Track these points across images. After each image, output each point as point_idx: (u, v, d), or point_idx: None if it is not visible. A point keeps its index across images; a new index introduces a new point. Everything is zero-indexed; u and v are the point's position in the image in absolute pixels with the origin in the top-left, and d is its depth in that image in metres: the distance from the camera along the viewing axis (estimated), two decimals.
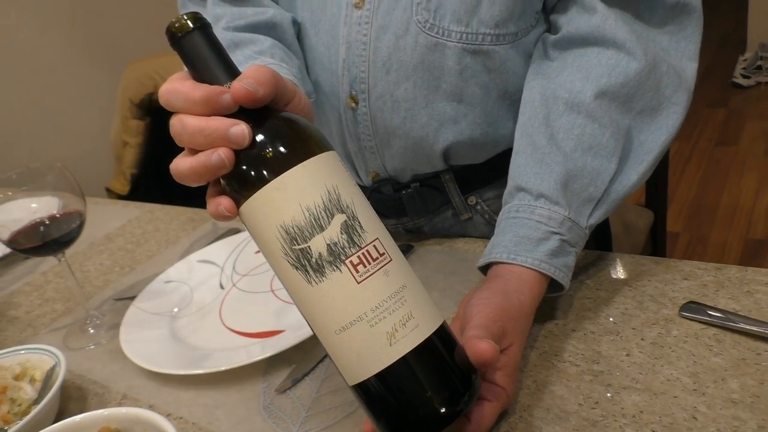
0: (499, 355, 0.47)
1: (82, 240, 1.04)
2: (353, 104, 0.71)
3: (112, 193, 1.90)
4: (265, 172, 0.41)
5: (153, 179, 1.84)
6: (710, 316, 0.56)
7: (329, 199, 0.41)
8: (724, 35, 3.92)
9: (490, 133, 0.71)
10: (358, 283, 0.41)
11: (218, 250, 0.89)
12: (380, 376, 0.42)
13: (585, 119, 0.60)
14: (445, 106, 0.69)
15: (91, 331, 0.79)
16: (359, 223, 0.42)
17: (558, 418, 0.49)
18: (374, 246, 0.41)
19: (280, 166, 0.41)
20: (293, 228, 0.41)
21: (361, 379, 0.42)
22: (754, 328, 0.53)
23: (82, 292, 0.81)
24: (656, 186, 1.35)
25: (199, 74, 0.43)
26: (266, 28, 0.70)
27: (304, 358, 0.64)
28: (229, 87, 0.42)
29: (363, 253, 0.41)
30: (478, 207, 0.79)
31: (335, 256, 0.41)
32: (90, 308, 0.81)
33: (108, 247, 1.06)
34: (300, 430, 0.55)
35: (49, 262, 1.05)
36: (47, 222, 0.74)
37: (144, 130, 1.84)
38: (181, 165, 0.43)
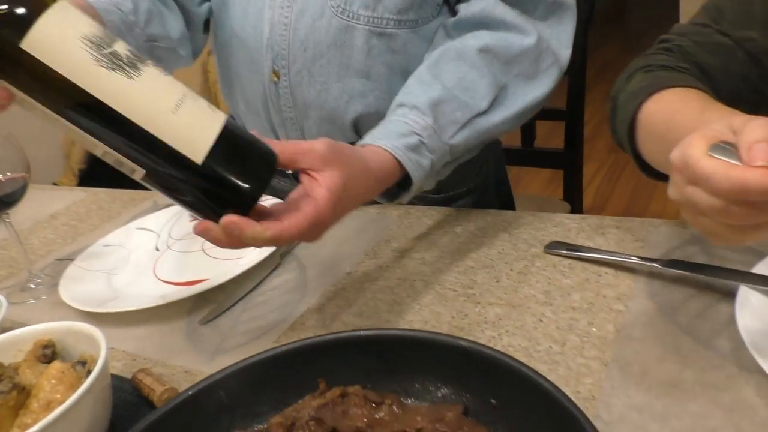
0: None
1: (27, 219, 1.10)
2: (275, 78, 0.80)
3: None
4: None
5: (100, 174, 1.89)
6: (568, 249, 0.66)
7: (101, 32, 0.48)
8: None
9: None
10: (167, 75, 0.49)
11: (156, 219, 0.96)
12: (220, 138, 0.48)
13: (469, 68, 0.71)
14: (355, 81, 0.79)
15: (33, 286, 0.85)
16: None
17: (433, 327, 0.59)
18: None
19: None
20: (94, 37, 0.46)
21: (208, 148, 0.47)
22: (599, 256, 0.64)
23: (26, 257, 0.87)
24: (572, 179, 1.48)
25: None
26: None
27: (225, 299, 0.72)
28: None
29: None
30: None
31: (138, 57, 0.48)
32: (32, 270, 0.87)
33: (52, 223, 1.11)
34: (217, 350, 0.63)
35: None
36: None
37: None
38: None
